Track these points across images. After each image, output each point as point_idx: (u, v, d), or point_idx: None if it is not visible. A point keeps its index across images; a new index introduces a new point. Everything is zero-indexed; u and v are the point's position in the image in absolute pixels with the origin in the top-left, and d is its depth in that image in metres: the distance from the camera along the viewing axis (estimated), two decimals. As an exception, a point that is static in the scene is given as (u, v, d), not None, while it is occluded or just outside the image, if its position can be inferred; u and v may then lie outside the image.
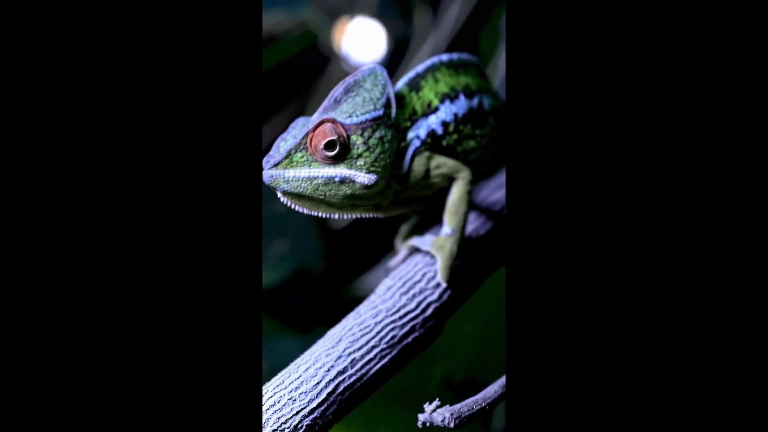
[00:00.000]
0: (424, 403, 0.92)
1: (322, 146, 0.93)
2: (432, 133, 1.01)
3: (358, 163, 0.94)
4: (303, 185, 0.93)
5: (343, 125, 0.94)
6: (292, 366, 0.96)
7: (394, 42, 1.78)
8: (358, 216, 1.00)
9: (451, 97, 1.03)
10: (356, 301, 1.05)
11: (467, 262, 1.03)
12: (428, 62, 1.04)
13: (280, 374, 0.95)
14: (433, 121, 1.01)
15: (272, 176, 0.93)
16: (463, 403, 0.92)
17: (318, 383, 0.94)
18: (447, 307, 1.01)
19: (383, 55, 1.78)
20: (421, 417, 0.92)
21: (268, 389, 0.94)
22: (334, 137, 0.93)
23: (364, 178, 0.94)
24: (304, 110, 1.79)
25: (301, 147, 0.93)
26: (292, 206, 0.96)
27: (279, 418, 0.91)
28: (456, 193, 1.00)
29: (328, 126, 0.93)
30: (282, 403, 0.92)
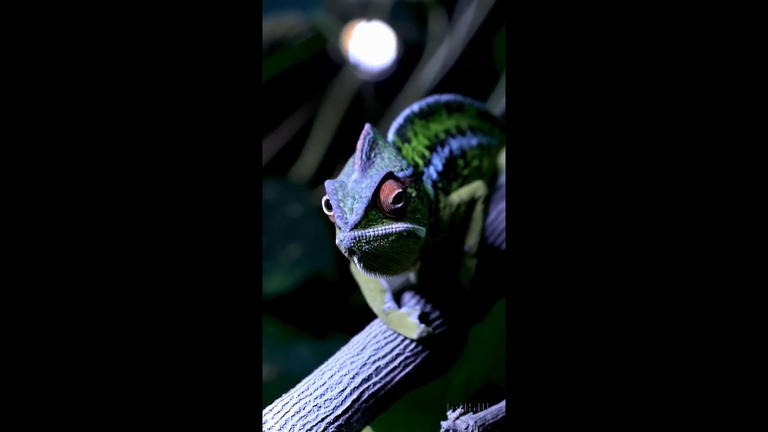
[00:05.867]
0: (444, 409, 0.92)
1: (391, 200, 0.88)
2: (434, 182, 0.99)
3: (416, 216, 0.91)
4: (381, 243, 0.88)
5: (400, 179, 0.91)
6: (317, 372, 0.96)
7: (406, 47, 1.78)
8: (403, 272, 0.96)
9: (434, 148, 1.01)
10: (368, 306, 1.05)
11: (490, 272, 1.03)
12: (404, 113, 1.01)
13: (304, 380, 0.95)
14: (432, 171, 0.99)
15: (355, 237, 0.87)
16: (488, 410, 0.91)
17: (343, 390, 0.93)
18: (472, 316, 1.01)
19: (392, 59, 1.78)
20: (444, 424, 0.91)
21: (293, 395, 0.93)
22: (401, 189, 0.89)
23: (421, 230, 0.91)
24: (316, 115, 1.79)
25: (372, 205, 0.88)
26: (365, 272, 0.91)
27: (305, 425, 0.91)
28: (476, 211, 1.00)
29: (392, 179, 0.89)
30: (307, 409, 0.92)
